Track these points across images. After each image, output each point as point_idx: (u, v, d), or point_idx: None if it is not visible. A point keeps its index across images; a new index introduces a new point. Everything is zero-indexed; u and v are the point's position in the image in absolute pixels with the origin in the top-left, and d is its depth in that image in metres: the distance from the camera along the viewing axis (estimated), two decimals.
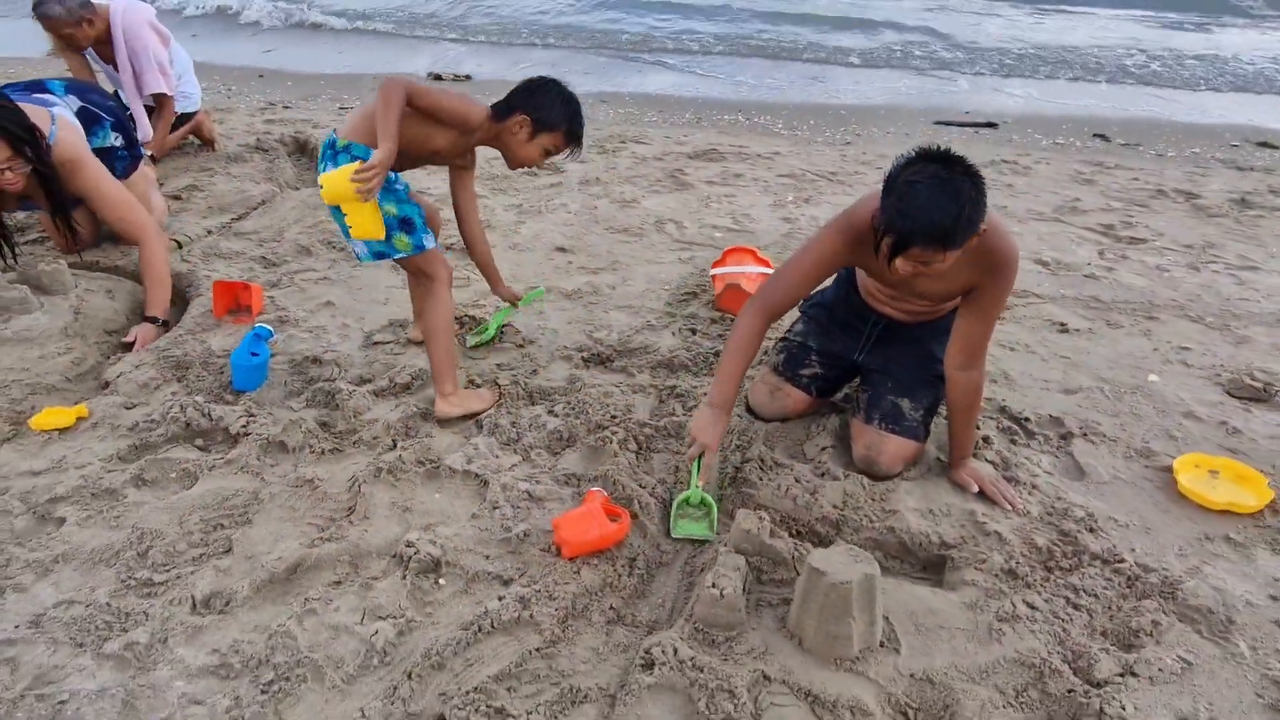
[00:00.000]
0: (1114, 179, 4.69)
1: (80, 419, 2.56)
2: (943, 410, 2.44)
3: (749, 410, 2.59)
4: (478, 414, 2.60)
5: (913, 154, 1.96)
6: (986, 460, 2.38)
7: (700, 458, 2.19)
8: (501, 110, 2.48)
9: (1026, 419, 2.59)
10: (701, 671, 1.74)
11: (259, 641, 1.84)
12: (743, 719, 1.65)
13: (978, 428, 2.48)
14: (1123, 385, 2.79)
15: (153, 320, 2.99)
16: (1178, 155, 5.31)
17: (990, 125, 5.68)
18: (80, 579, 2.00)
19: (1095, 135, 5.61)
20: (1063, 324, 3.15)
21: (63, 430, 2.52)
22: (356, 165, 2.30)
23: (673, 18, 8.79)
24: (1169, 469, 2.37)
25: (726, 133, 5.52)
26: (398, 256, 2.53)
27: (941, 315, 2.43)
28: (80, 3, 3.96)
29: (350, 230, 2.47)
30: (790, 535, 2.15)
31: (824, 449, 2.42)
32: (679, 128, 5.64)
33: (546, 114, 2.46)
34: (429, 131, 2.48)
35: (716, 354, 2.90)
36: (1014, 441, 2.51)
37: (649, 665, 1.77)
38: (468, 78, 6.62)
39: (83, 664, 1.79)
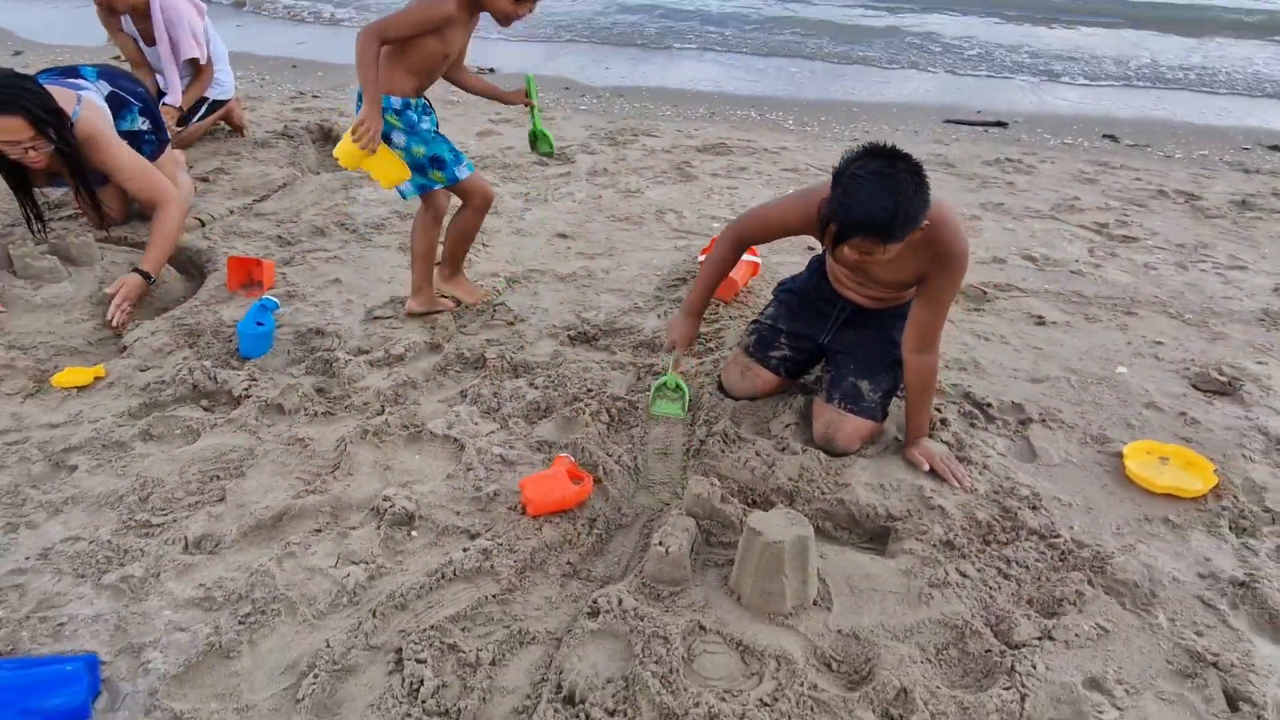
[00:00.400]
0: (1116, 179, 4.73)
1: (98, 379, 2.76)
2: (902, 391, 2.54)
3: (720, 389, 2.72)
4: (462, 304, 3.17)
5: (860, 149, 2.09)
6: (943, 441, 2.48)
7: (674, 352, 2.63)
8: None
9: (988, 404, 2.68)
10: (642, 620, 1.87)
11: (241, 579, 2.01)
12: (674, 663, 1.77)
13: (938, 410, 2.59)
14: (1090, 376, 2.87)
15: (143, 274, 3.13)
16: (1185, 157, 5.32)
17: (1000, 124, 5.72)
18: (86, 519, 2.19)
19: (1104, 136, 5.63)
20: (1040, 317, 3.23)
21: (81, 388, 2.73)
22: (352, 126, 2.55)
23: (696, 21, 8.90)
24: (1120, 454, 2.45)
25: (738, 127, 5.63)
26: (437, 187, 2.86)
27: (903, 302, 2.53)
28: None
29: (380, 184, 2.76)
30: (746, 504, 2.27)
31: (787, 426, 2.54)
32: (691, 121, 5.76)
33: None
34: (426, 47, 2.66)
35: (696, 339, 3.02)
36: (973, 425, 2.60)
37: (594, 613, 1.91)
38: (491, 70, 6.79)
39: (83, 592, 1.98)
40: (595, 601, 1.93)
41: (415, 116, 2.73)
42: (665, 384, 2.64)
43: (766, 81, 6.79)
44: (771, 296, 2.81)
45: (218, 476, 2.35)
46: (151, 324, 3.04)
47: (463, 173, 2.86)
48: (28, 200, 3.21)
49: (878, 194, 1.98)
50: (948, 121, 5.80)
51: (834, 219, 2.04)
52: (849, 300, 2.57)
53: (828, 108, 6.18)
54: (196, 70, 4.54)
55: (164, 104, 4.42)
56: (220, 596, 1.97)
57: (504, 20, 2.68)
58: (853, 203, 2.00)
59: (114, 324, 3.00)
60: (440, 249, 3.17)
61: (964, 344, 3.03)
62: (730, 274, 3.23)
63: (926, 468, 2.36)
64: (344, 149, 2.61)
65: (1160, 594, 2.01)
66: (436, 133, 2.80)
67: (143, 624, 1.90)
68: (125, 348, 2.92)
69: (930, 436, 2.47)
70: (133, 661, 1.82)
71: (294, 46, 7.48)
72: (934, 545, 2.12)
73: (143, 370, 2.80)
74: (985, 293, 3.39)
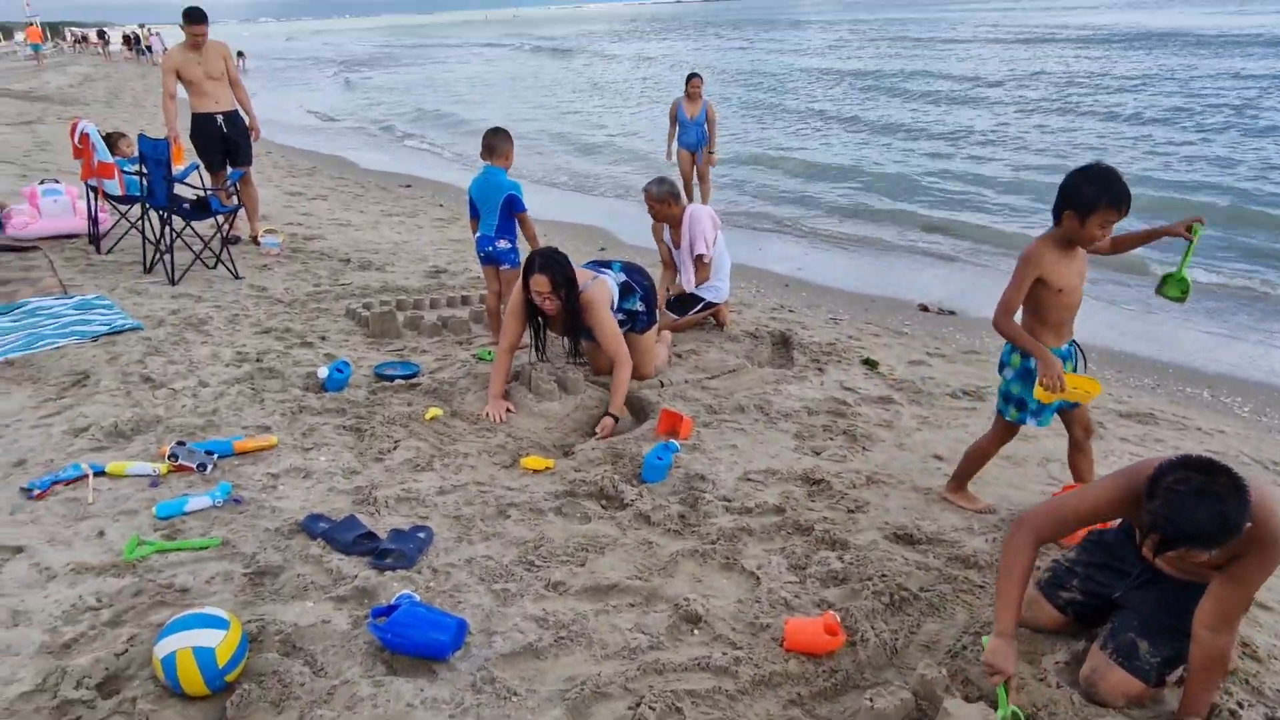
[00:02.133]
0: None
1: (548, 468, 3.87)
2: None
3: None
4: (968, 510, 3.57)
5: (1175, 460, 2.22)
6: None
7: (1005, 683, 2.36)
8: (1055, 217, 3.08)
9: None
10: None
11: (568, 615, 2.78)
12: None
13: (1236, 706, 2.45)
14: None
15: (611, 416, 4.29)
16: None
17: None
18: (500, 549, 3.18)
19: None
20: None
21: (536, 471, 3.85)
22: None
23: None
24: None
25: (1178, 403, 5.37)
26: (1011, 418, 3.41)
27: (1209, 578, 2.50)
28: (670, 190, 5.91)
29: (1084, 402, 3.29)
30: None
31: (1057, 662, 2.62)
32: (1130, 388, 5.63)
33: (1080, 198, 2.97)
34: (1041, 297, 3.17)
35: None
36: None
37: None
38: (952, 314, 7.35)
39: (478, 589, 2.92)
40: None
41: (1032, 364, 3.20)
42: (1004, 717, 2.32)
43: (1241, 361, 6.28)
44: (1081, 538, 2.91)
45: (587, 550, 3.21)
46: (595, 443, 4.13)
47: (1030, 421, 3.33)
48: (540, 338, 4.65)
49: (1200, 508, 2.09)
50: None
51: (1155, 530, 2.17)
52: (1152, 564, 2.61)
53: None
54: (700, 263, 5.92)
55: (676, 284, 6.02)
56: (552, 621, 2.76)
57: (1086, 244, 3.09)
58: (1176, 516, 2.12)
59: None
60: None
61: None
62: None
63: None
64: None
65: None
66: (1037, 381, 3.16)
67: (500, 620, 2.76)
68: (572, 454, 4.03)
69: None
70: (485, 638, 2.67)
71: (794, 269, 8.88)
72: None
73: (576, 470, 3.84)
74: None
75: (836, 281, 8.44)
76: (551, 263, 4.36)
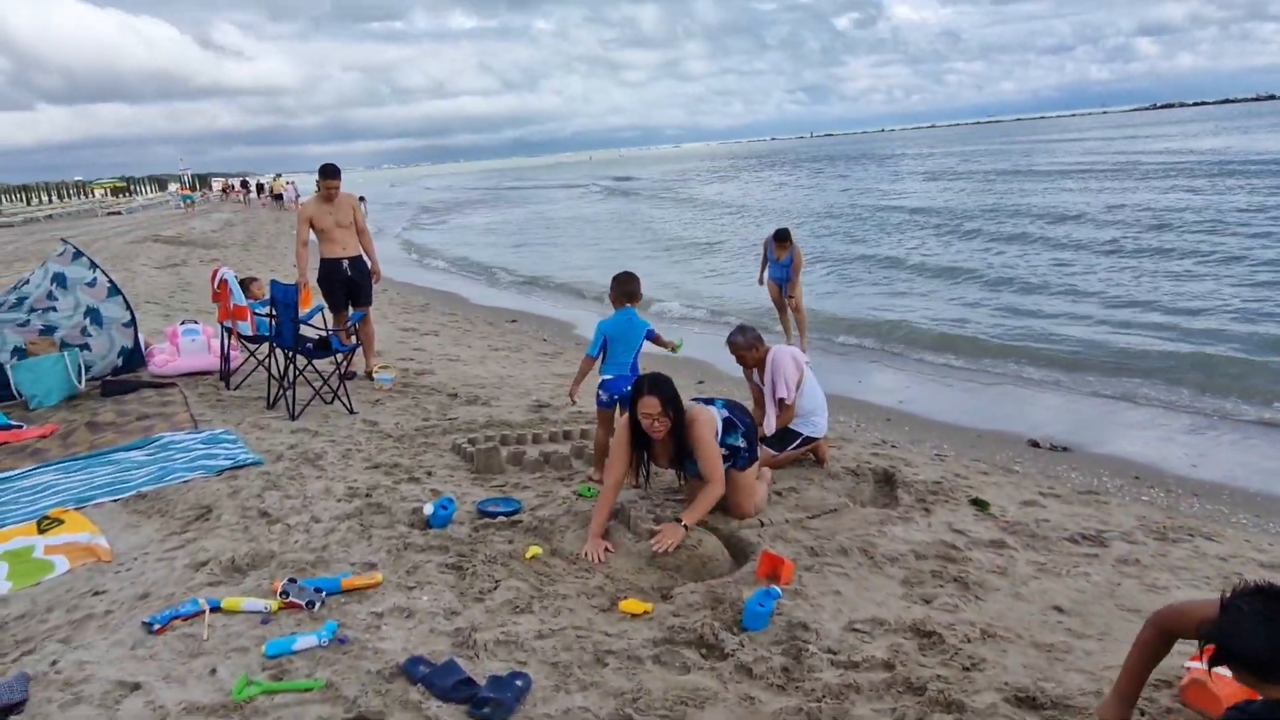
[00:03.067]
0: None
1: (645, 613, 3.81)
2: None
3: None
4: None
5: (1258, 584, 2.20)
6: None
7: None
8: None
9: None
10: None
11: None
12: None
13: None
14: None
15: (679, 523, 4.32)
16: None
17: None
18: (599, 700, 3.11)
19: None
20: None
21: (634, 615, 3.79)
22: None
23: None
24: None
25: None
26: None
27: None
28: (753, 337, 6.02)
29: None
30: None
31: None
32: (1270, 535, 5.19)
33: None
34: None
35: None
36: None
37: None
38: (1065, 450, 7.03)
39: None
40: None
41: None
42: None
43: None
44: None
45: (686, 703, 3.10)
46: (694, 586, 4.05)
47: None
48: (644, 464, 4.76)
49: (1258, 633, 2.07)
50: None
51: (1212, 641, 2.17)
52: None
53: None
54: (782, 406, 5.90)
55: (763, 432, 5.88)
56: None
57: None
58: (1233, 633, 2.11)
59: (657, 550, 4.21)
60: None
61: None
62: (1210, 685, 3.08)
63: None
64: None
65: None
66: None
67: None
68: (670, 598, 3.96)
69: None
70: None
71: (896, 401, 8.73)
72: None
73: (675, 615, 3.77)
74: None
75: (941, 414, 8.25)
76: (660, 383, 4.51)
